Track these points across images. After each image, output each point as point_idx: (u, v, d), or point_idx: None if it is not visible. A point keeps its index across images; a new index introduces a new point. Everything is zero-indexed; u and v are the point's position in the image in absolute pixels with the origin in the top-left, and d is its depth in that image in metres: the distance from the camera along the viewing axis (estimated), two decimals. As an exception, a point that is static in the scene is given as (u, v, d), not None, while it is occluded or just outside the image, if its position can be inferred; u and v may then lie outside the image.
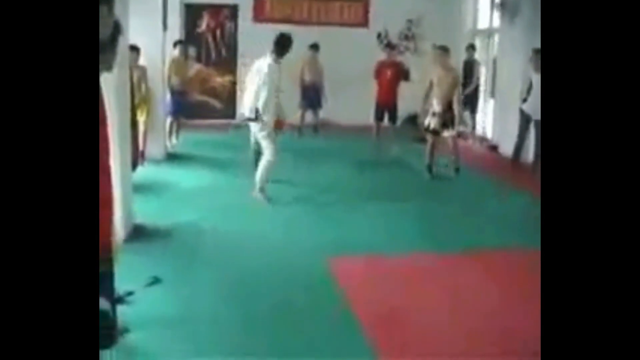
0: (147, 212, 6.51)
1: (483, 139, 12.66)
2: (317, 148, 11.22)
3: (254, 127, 7.41)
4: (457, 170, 9.24)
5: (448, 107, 8.87)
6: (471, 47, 12.58)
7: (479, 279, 5.25)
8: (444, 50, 9.15)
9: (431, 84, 9.05)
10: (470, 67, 12.30)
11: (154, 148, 9.34)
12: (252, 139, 8.10)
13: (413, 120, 13.12)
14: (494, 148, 11.89)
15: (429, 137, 9.11)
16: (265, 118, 7.16)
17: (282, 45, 7.42)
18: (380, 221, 6.81)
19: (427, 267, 5.49)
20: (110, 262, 2.71)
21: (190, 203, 7.28)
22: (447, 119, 8.91)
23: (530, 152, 9.84)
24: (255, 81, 7.28)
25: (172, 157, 9.91)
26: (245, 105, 7.48)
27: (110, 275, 2.65)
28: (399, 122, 11.77)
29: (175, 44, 10.73)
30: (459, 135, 9.59)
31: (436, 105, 8.96)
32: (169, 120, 10.54)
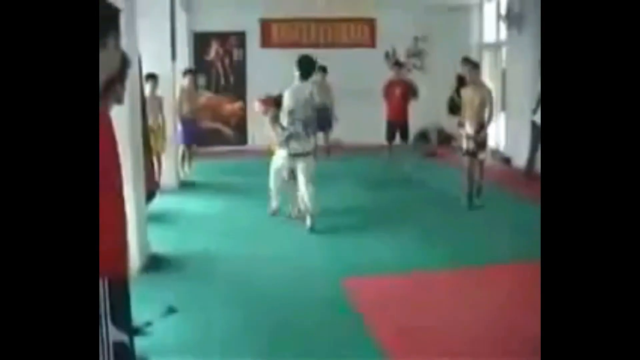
0: (162, 242, 6.52)
1: (495, 152, 12.62)
2: (330, 170, 11.18)
3: (291, 151, 7.19)
4: (479, 190, 8.35)
5: (481, 127, 8.13)
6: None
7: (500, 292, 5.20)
8: (473, 65, 8.53)
9: (463, 104, 8.37)
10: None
11: (167, 177, 9.38)
12: (278, 166, 7.51)
13: (424, 136, 13.14)
14: (507, 161, 11.84)
15: (466, 161, 8.31)
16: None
17: (304, 66, 7.28)
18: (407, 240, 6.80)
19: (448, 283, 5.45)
20: (126, 292, 2.71)
21: (204, 231, 7.29)
22: (480, 140, 8.17)
23: (544, 163, 9.78)
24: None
25: (186, 186, 9.95)
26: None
27: (126, 307, 2.65)
28: (410, 139, 11.78)
29: (184, 73, 10.80)
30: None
31: (468, 127, 8.22)
32: (180, 149, 10.61)
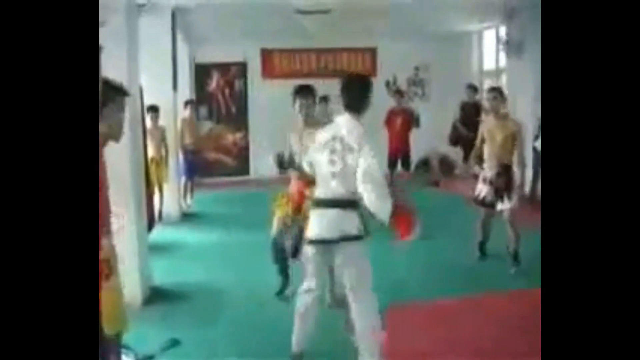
0: (164, 274, 6.47)
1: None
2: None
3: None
4: (515, 256, 6.46)
5: (504, 168, 6.47)
6: (472, 88, 11.80)
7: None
8: (499, 93, 6.77)
9: (482, 139, 6.73)
10: (471, 110, 11.31)
11: (169, 208, 9.35)
12: None
13: (425, 164, 13.11)
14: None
15: (481, 211, 6.86)
16: None
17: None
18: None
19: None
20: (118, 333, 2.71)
21: (206, 263, 7.24)
22: (500, 184, 6.44)
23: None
24: None
25: (188, 217, 9.91)
26: None
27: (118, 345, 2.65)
28: (412, 168, 11.77)
29: (186, 104, 10.85)
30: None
31: (488, 168, 6.60)
32: (182, 180, 10.62)
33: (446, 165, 13.48)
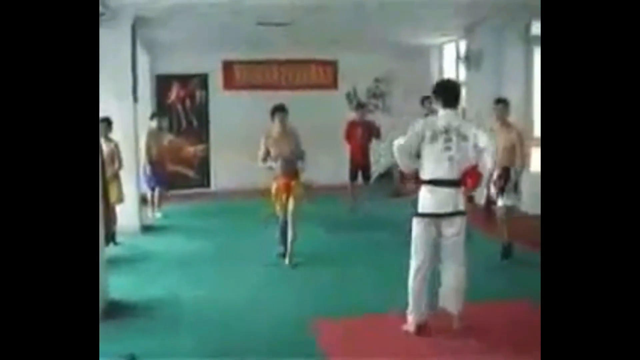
0: (122, 287, 6.39)
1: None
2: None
3: None
4: (507, 251, 7.44)
5: (504, 171, 7.31)
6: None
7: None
8: (504, 103, 7.62)
9: None
10: None
11: (128, 221, 9.21)
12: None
13: (388, 175, 13.15)
14: (469, 198, 11.88)
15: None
16: None
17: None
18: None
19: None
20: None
21: (165, 275, 7.16)
22: (502, 184, 7.33)
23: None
24: None
25: (148, 230, 9.79)
26: None
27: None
28: (372, 180, 11.83)
29: (152, 116, 10.85)
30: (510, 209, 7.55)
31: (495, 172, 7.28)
32: (149, 193, 10.63)
33: (409, 176, 13.49)
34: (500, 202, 7.42)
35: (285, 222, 7.51)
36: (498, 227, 7.54)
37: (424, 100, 10.82)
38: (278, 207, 7.53)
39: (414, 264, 5.07)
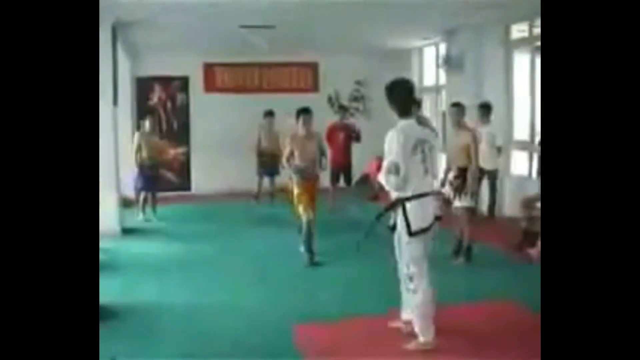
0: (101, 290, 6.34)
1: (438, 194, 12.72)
2: (273, 215, 11.08)
3: None
4: (468, 251, 7.52)
5: (461, 173, 7.40)
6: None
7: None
8: (459, 107, 7.72)
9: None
10: None
11: (107, 224, 9.13)
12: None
13: (366, 180, 13.19)
14: (449, 202, 11.92)
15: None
16: None
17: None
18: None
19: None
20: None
21: (146, 278, 7.13)
22: (458, 186, 7.41)
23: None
24: None
25: (128, 232, 9.74)
26: None
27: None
28: (353, 183, 11.85)
29: (143, 117, 11.00)
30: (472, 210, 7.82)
31: (448, 172, 7.59)
32: (142, 195, 10.73)
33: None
34: (457, 203, 7.46)
35: (309, 224, 7.62)
36: (458, 227, 7.56)
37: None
38: (301, 209, 7.69)
39: (421, 288, 4.75)
